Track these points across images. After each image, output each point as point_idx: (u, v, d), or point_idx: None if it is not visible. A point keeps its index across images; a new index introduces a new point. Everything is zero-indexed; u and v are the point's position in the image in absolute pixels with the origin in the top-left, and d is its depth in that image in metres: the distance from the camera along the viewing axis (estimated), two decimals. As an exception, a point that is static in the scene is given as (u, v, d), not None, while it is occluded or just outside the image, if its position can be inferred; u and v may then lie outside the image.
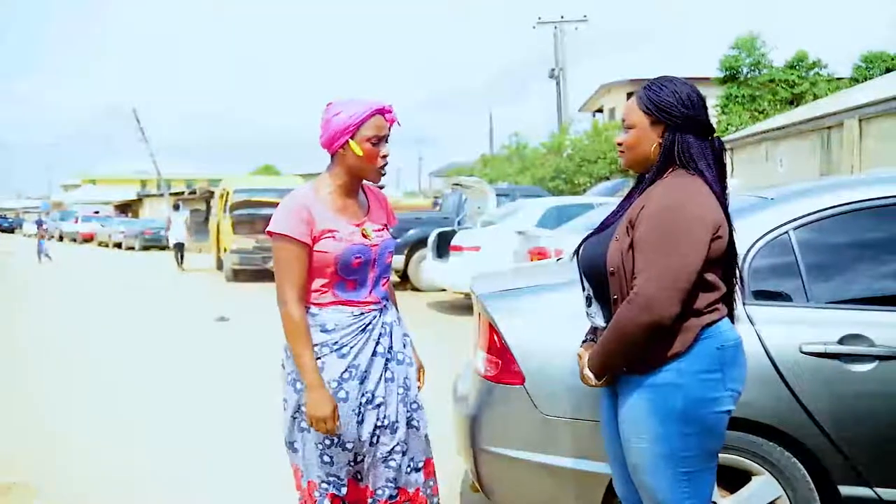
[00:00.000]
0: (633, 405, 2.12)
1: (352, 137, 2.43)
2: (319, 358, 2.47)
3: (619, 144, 2.23)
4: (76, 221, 42.12)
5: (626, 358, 2.08)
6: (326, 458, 2.51)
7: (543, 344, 2.72)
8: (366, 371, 2.51)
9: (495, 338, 2.83)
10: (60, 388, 6.55)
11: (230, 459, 4.51)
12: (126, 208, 49.23)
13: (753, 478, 2.61)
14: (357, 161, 2.46)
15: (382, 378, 2.54)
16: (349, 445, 2.51)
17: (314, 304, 2.51)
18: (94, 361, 7.70)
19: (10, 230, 57.90)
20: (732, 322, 2.22)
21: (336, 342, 2.48)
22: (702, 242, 2.01)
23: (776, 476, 2.58)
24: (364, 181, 2.59)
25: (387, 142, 2.49)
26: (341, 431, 2.47)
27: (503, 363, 2.79)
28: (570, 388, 2.61)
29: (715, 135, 2.18)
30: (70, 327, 10.07)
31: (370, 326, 2.53)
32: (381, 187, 4.13)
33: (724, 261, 2.15)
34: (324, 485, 2.54)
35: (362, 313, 2.52)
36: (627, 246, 2.08)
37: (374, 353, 2.53)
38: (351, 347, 2.49)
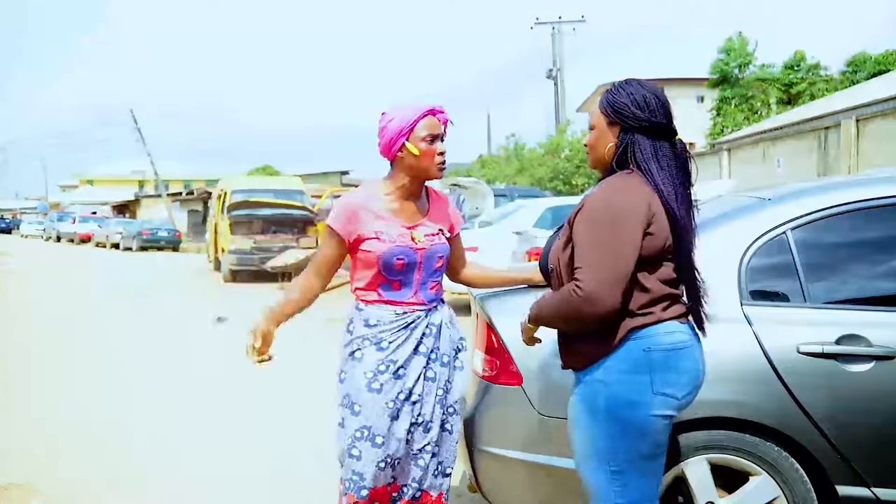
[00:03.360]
0: (572, 399, 2.24)
1: (407, 139, 2.55)
2: (360, 349, 2.61)
3: (586, 145, 2.31)
4: (74, 222, 42.04)
5: (557, 328, 2.25)
6: (355, 452, 2.56)
7: (542, 344, 2.72)
8: (404, 367, 2.58)
9: (493, 338, 2.84)
10: (60, 388, 6.54)
11: (230, 459, 4.51)
12: (124, 209, 49.15)
13: (751, 478, 2.61)
14: (415, 161, 2.57)
15: (422, 376, 2.62)
16: (378, 440, 2.54)
17: (362, 300, 2.66)
18: (93, 362, 7.68)
19: (8, 231, 57.79)
20: (700, 324, 2.22)
21: (376, 336, 2.60)
22: (633, 233, 2.06)
23: (774, 476, 2.59)
24: (427, 182, 2.70)
25: (442, 140, 2.60)
26: (371, 423, 2.55)
27: (501, 363, 2.80)
28: (568, 388, 2.61)
29: (677, 137, 2.21)
30: (67, 328, 10.05)
31: (413, 325, 2.61)
32: None
33: (670, 262, 2.16)
34: (347, 482, 2.57)
35: (405, 312, 2.61)
36: (564, 243, 2.16)
37: (416, 352, 2.61)
38: (390, 342, 2.59)
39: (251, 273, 16.19)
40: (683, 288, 2.24)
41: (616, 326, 2.11)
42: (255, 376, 6.72)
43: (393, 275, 2.59)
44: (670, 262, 2.17)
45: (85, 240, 39.28)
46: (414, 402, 2.59)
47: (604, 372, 2.12)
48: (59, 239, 42.71)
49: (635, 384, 2.10)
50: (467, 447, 2.89)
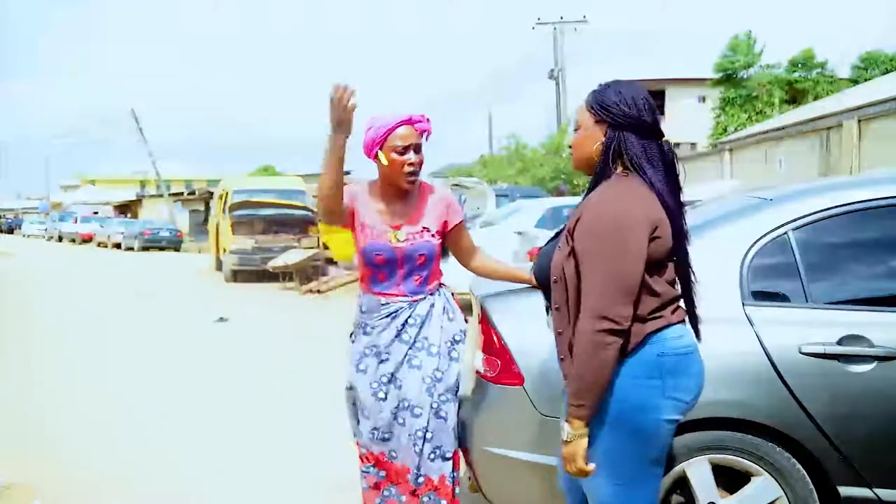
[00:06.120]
0: None
1: (381, 148, 2.71)
2: (354, 334, 2.93)
3: (570, 146, 2.26)
4: (75, 222, 42.08)
5: (598, 383, 2.01)
6: (356, 421, 2.92)
7: (543, 344, 2.71)
8: (386, 352, 2.82)
9: (495, 338, 2.83)
10: (60, 388, 6.54)
11: (230, 460, 4.51)
12: (125, 209, 49.21)
13: (753, 478, 2.61)
14: (385, 169, 2.75)
15: (404, 363, 2.81)
16: (366, 413, 2.84)
17: (361, 289, 2.92)
18: (94, 362, 7.69)
19: (10, 230, 57.82)
20: (695, 325, 2.20)
21: (365, 323, 2.87)
22: (638, 242, 2.01)
23: (775, 477, 2.58)
24: (401, 186, 2.79)
25: (417, 151, 2.74)
26: (361, 398, 2.84)
27: (503, 364, 2.79)
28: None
29: (664, 139, 2.17)
30: (69, 329, 10.06)
31: (395, 314, 2.82)
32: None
33: (672, 264, 2.13)
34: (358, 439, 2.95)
35: (388, 303, 2.82)
36: (567, 254, 2.10)
37: (398, 339, 2.81)
38: (373, 328, 2.84)
39: (252, 273, 16.20)
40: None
41: (629, 332, 2.04)
42: (255, 377, 6.74)
43: (376, 268, 2.82)
44: (672, 263, 2.15)
45: (87, 240, 39.30)
46: (399, 387, 2.80)
47: (615, 378, 2.05)
48: (60, 239, 42.76)
49: (647, 389, 2.06)
50: (468, 447, 2.89)
